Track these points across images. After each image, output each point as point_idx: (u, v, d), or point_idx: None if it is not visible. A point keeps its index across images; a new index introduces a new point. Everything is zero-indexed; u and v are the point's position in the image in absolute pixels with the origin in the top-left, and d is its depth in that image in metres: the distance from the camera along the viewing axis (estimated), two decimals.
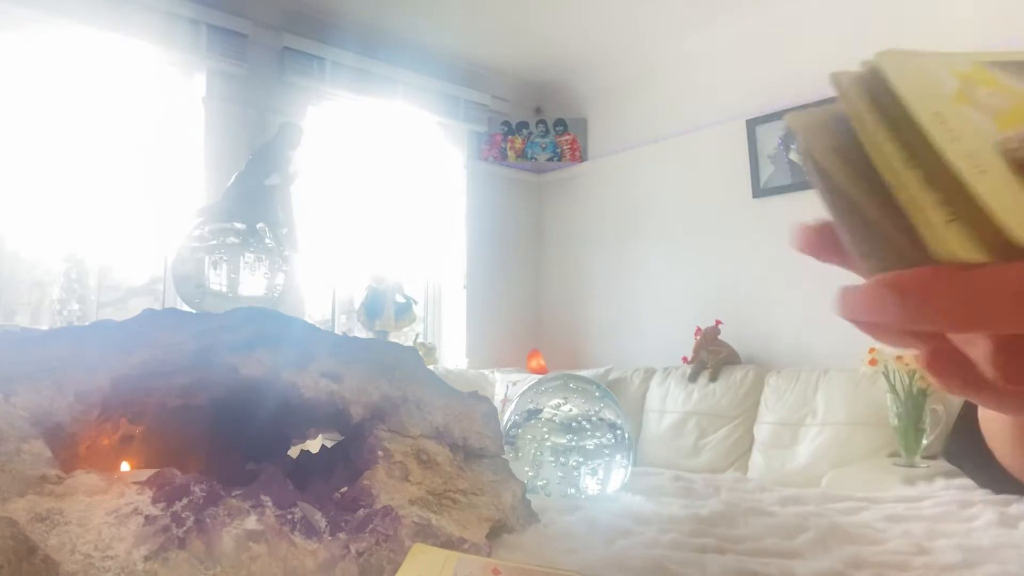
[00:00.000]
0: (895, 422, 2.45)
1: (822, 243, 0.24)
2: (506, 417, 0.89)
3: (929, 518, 0.72)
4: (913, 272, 0.19)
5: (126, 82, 3.26)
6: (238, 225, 1.32)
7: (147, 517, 0.48)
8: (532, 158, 4.48)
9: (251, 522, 0.49)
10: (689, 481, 0.94)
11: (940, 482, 0.89)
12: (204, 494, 0.50)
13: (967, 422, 0.50)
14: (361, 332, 3.64)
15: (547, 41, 4.04)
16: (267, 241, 1.33)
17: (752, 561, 0.55)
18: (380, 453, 0.60)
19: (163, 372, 0.61)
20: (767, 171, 3.60)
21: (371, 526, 0.52)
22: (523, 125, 4.49)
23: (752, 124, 3.63)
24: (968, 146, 0.19)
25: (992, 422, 0.43)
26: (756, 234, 3.58)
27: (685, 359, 3.56)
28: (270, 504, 0.51)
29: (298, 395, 0.63)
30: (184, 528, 0.47)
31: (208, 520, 0.48)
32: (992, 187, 0.19)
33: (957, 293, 0.18)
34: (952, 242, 0.18)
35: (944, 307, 0.18)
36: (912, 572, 0.56)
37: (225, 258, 1.28)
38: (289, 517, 0.51)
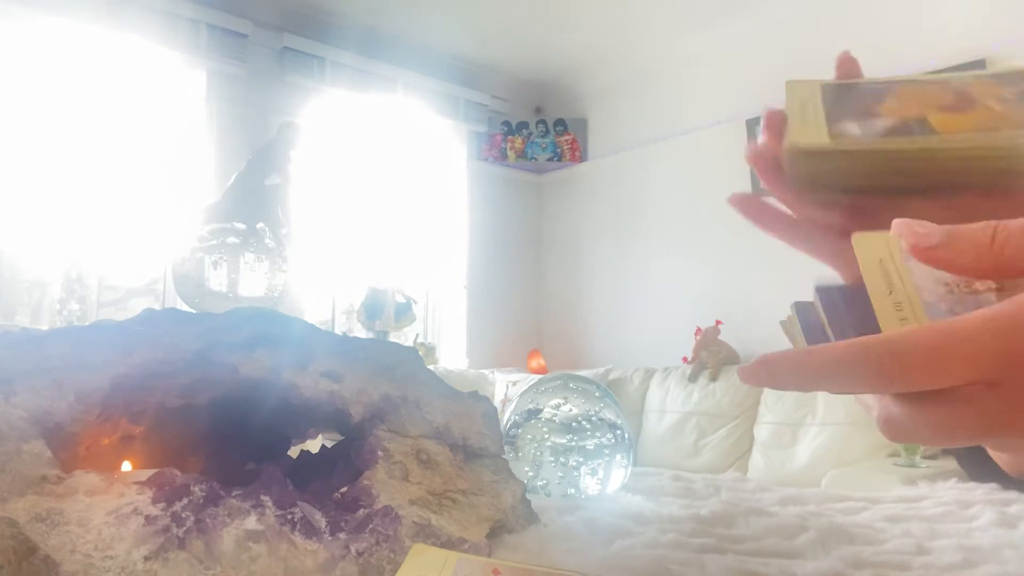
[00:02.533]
0: None
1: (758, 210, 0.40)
2: (506, 417, 0.89)
3: (929, 518, 0.72)
4: (772, 355, 0.27)
5: (126, 82, 3.26)
6: (238, 225, 1.32)
7: (147, 517, 0.48)
8: (532, 158, 4.48)
9: (251, 522, 0.49)
10: (689, 481, 0.94)
11: (940, 482, 0.89)
12: (204, 494, 0.50)
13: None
14: (361, 332, 3.64)
15: (547, 41, 4.04)
16: (267, 241, 1.33)
17: (752, 561, 0.55)
18: (380, 453, 0.60)
19: (163, 372, 0.61)
20: None
21: (371, 526, 0.52)
22: (523, 125, 4.50)
23: (752, 124, 3.63)
24: (897, 299, 0.27)
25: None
26: (756, 234, 3.57)
27: (685, 359, 3.57)
28: (270, 504, 0.51)
29: (298, 395, 0.63)
30: (184, 528, 0.47)
31: (208, 520, 0.48)
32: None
33: (796, 366, 0.26)
34: None
35: (789, 376, 0.27)
36: (912, 572, 0.56)
37: (225, 258, 1.28)
38: (289, 517, 0.51)
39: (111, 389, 0.57)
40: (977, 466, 0.55)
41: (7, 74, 2.95)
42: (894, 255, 0.29)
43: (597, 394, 0.91)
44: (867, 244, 0.30)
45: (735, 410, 3.27)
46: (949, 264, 0.27)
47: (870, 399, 0.29)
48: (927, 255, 0.27)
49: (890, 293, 0.28)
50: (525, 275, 4.62)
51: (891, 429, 0.27)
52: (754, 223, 0.40)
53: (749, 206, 0.40)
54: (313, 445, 0.77)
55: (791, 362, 0.26)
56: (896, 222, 0.28)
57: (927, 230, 0.27)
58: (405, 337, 3.92)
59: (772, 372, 0.27)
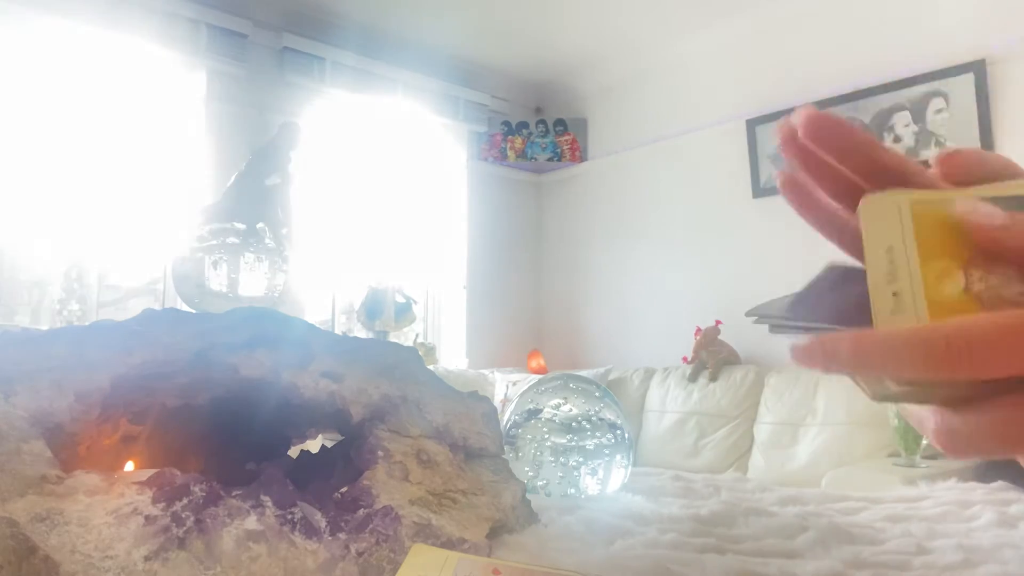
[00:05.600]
0: (895, 422, 2.46)
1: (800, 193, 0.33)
2: (506, 417, 0.89)
3: (929, 518, 0.72)
4: (829, 335, 0.26)
5: (126, 82, 3.26)
6: (238, 225, 1.32)
7: (147, 517, 0.48)
8: (532, 158, 4.48)
9: (251, 522, 0.49)
10: (689, 481, 0.94)
11: (940, 482, 0.89)
12: (204, 494, 0.50)
13: None
14: (361, 332, 3.64)
15: (547, 41, 4.04)
16: (267, 241, 1.33)
17: (752, 561, 0.55)
18: (380, 453, 0.60)
19: (163, 372, 0.61)
20: (767, 171, 3.60)
21: (371, 526, 0.52)
22: (523, 125, 4.50)
23: (752, 124, 3.63)
24: (896, 287, 0.26)
25: None
26: (756, 234, 3.58)
27: (685, 359, 3.57)
28: (270, 504, 0.51)
29: (298, 395, 0.63)
30: (184, 528, 0.47)
31: (208, 520, 0.48)
32: (892, 323, 0.26)
33: (853, 347, 0.25)
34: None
35: (845, 358, 0.25)
36: (912, 572, 0.56)
37: (225, 258, 1.28)
38: (289, 517, 0.51)
39: (111, 389, 0.57)
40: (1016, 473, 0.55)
41: (7, 75, 2.95)
42: (906, 238, 0.26)
43: (597, 394, 0.91)
44: (877, 218, 0.27)
45: (735, 410, 3.27)
46: (1013, 249, 0.25)
47: (924, 412, 0.27)
48: (991, 235, 0.26)
49: (890, 283, 0.26)
50: (525, 275, 4.62)
51: (951, 442, 0.25)
52: (797, 209, 0.35)
53: (796, 191, 0.34)
54: (313, 445, 0.76)
55: (850, 343, 0.25)
56: (961, 202, 0.26)
57: (993, 211, 0.26)
58: (405, 337, 3.92)
59: (829, 354, 0.25)
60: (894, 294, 0.26)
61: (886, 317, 0.26)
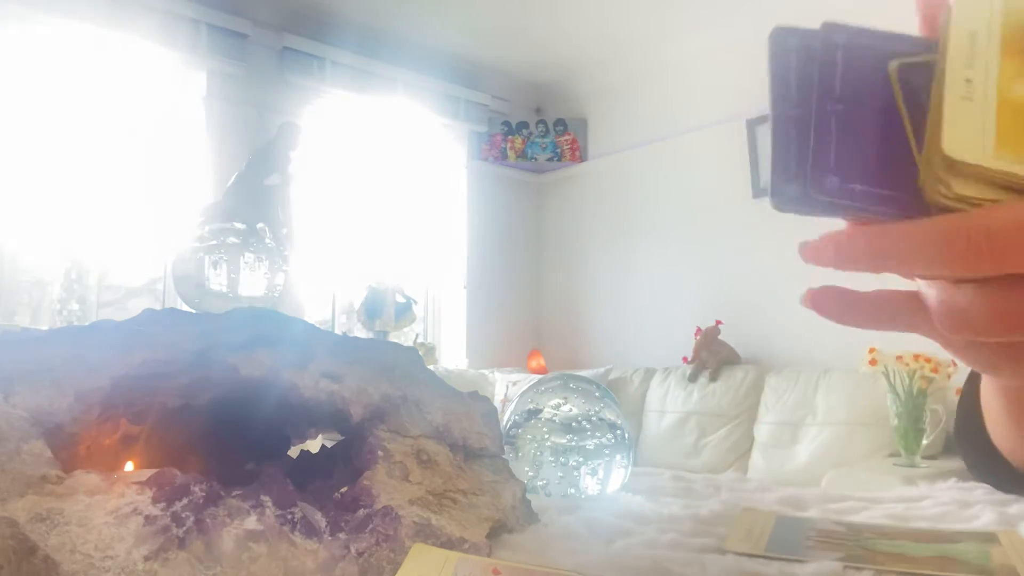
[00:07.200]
0: (895, 422, 2.46)
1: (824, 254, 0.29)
2: (506, 417, 0.89)
3: (929, 518, 0.72)
4: (842, 231, 0.25)
5: (126, 82, 3.26)
6: (238, 225, 1.32)
7: (147, 517, 0.48)
8: (532, 158, 4.48)
9: (251, 522, 0.49)
10: (689, 481, 0.94)
11: (940, 482, 0.89)
12: (204, 494, 0.50)
13: (968, 400, 0.51)
14: (361, 332, 3.64)
15: (547, 41, 4.04)
16: (267, 241, 1.33)
17: (752, 561, 0.55)
18: (380, 453, 0.60)
19: (163, 372, 0.61)
20: (767, 171, 3.59)
21: (371, 526, 0.52)
22: (523, 125, 4.49)
23: (752, 124, 3.63)
24: (970, 74, 0.24)
25: (989, 398, 0.43)
26: (756, 234, 3.58)
27: (685, 359, 3.56)
28: (270, 504, 0.51)
29: (298, 395, 0.63)
30: (184, 528, 0.47)
31: (208, 520, 0.48)
32: (960, 109, 0.24)
33: (870, 243, 0.24)
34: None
35: (861, 254, 0.24)
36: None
37: (225, 258, 1.28)
38: (289, 517, 0.51)
39: (111, 389, 0.57)
40: (981, 467, 0.54)
41: (8, 75, 2.95)
42: (992, 28, 0.25)
43: (597, 394, 0.91)
44: (968, 2, 0.26)
45: (735, 410, 3.27)
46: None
47: (925, 284, 0.26)
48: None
49: (967, 67, 0.25)
50: (525, 275, 4.62)
51: (956, 319, 0.24)
52: (836, 319, 0.30)
53: (828, 300, 0.29)
54: (313, 445, 0.76)
55: (864, 240, 0.24)
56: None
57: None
58: (405, 337, 3.92)
59: (840, 251, 0.24)
60: (967, 80, 0.25)
61: (955, 101, 0.24)
